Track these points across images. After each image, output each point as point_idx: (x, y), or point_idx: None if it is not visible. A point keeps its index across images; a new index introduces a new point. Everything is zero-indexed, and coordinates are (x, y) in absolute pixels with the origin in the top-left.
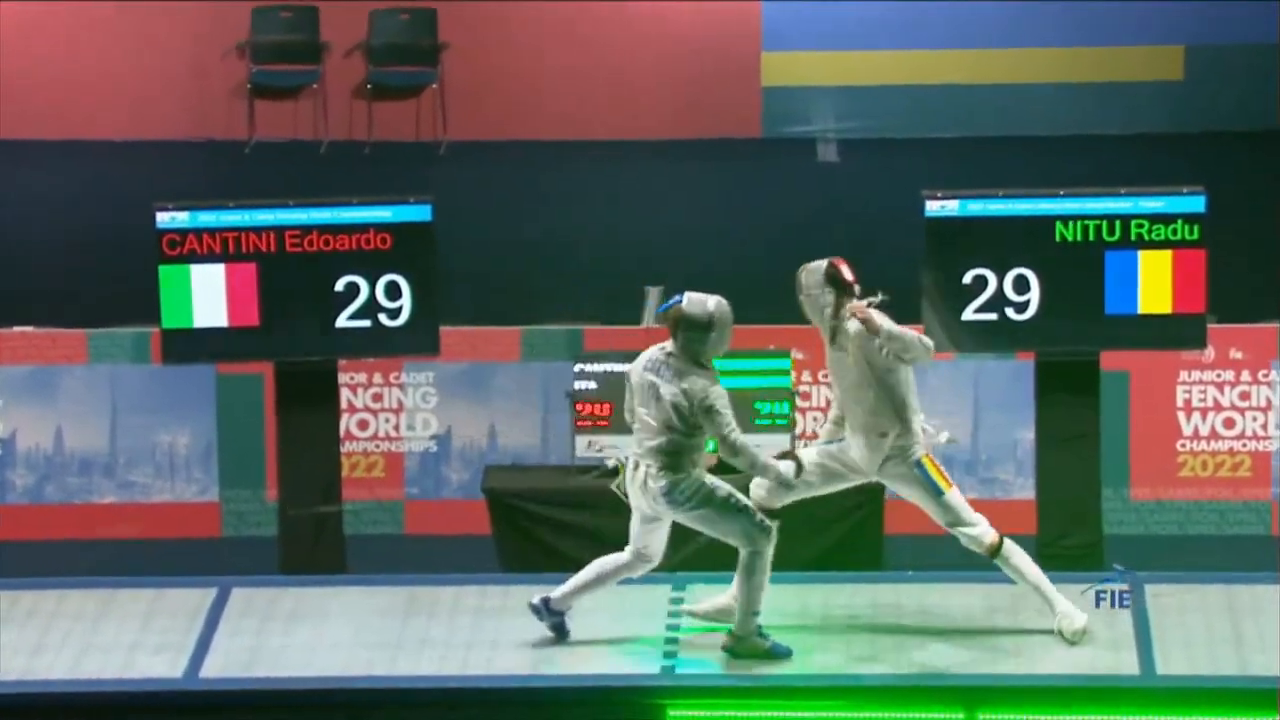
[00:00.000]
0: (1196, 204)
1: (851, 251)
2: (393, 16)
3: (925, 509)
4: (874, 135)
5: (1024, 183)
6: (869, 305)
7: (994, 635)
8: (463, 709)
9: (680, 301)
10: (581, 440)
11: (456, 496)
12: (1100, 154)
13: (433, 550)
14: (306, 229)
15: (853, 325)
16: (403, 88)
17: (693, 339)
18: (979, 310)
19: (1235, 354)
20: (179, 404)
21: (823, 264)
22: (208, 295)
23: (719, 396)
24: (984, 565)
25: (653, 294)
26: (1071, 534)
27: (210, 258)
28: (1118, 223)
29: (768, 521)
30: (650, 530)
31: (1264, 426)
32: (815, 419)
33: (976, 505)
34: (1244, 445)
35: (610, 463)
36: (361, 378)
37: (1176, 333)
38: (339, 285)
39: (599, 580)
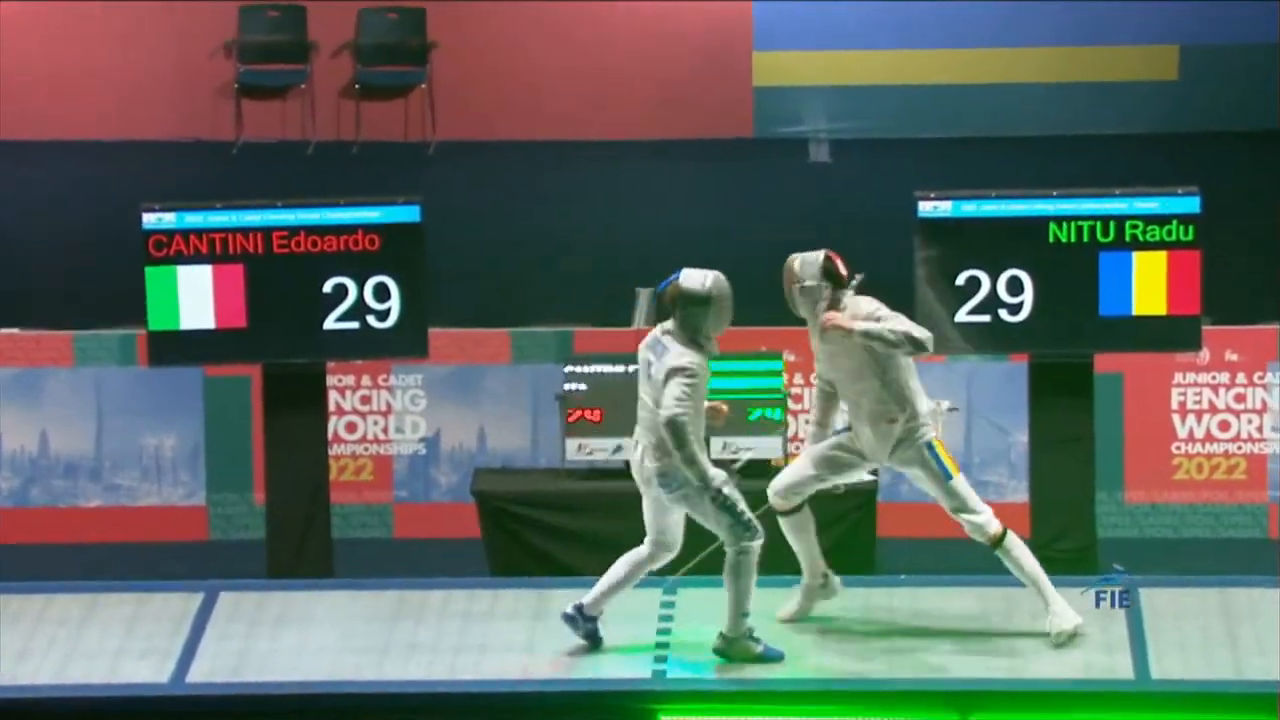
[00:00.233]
0: (1191, 205)
1: (843, 253)
2: (381, 16)
3: (932, 493)
4: (866, 135)
5: (1017, 183)
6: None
7: (987, 638)
8: (450, 714)
9: (678, 278)
10: (572, 443)
11: (446, 500)
12: (1094, 154)
13: (422, 554)
14: (294, 230)
15: (848, 312)
16: (391, 87)
17: (690, 314)
18: (972, 312)
19: (1231, 356)
20: (165, 406)
21: (819, 255)
22: (194, 297)
23: (690, 371)
24: (977, 569)
25: (643, 295)
26: (1065, 537)
27: (197, 259)
28: (1112, 224)
29: (756, 523)
30: (663, 517)
31: (1259, 429)
32: (808, 421)
33: None
34: (1239, 448)
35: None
36: (350, 380)
37: (1171, 334)
38: (327, 287)
39: (626, 579)
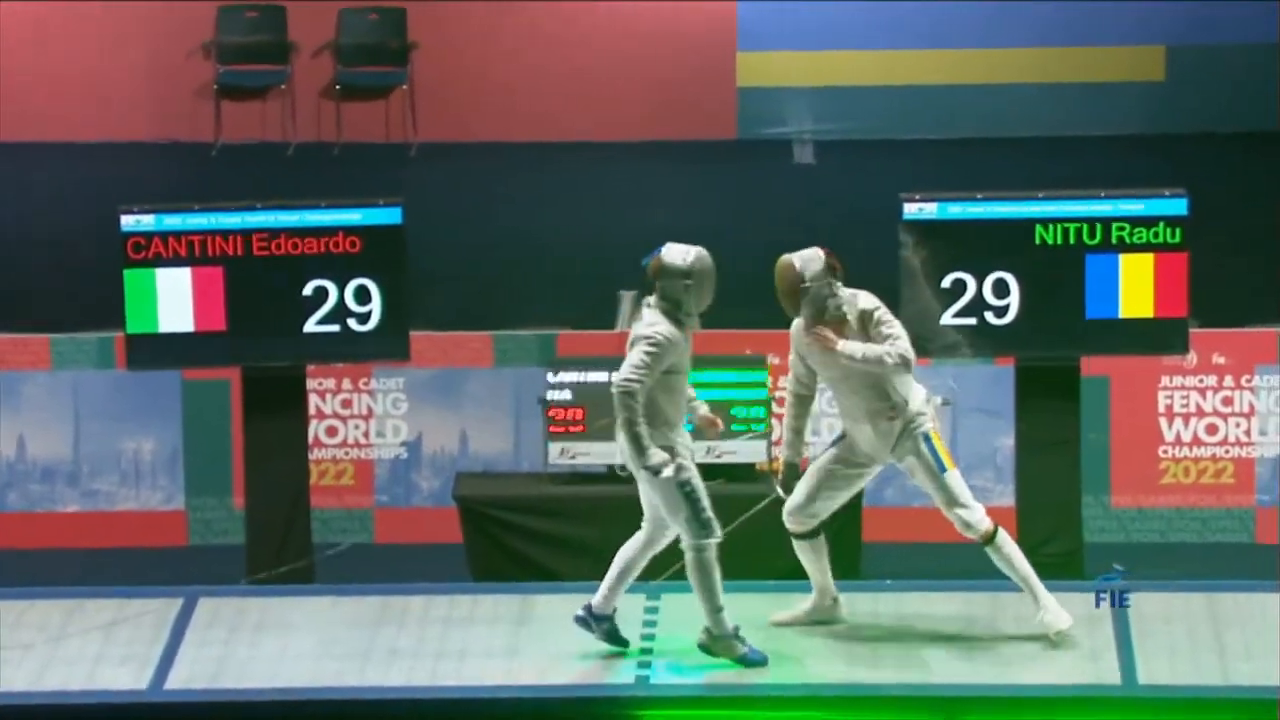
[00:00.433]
0: (1178, 206)
1: None
2: (361, 16)
3: (925, 487)
4: (851, 136)
5: (1003, 185)
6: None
7: (973, 643)
8: None
9: (661, 252)
10: (554, 447)
11: (427, 504)
12: (1081, 156)
13: (403, 559)
14: (274, 232)
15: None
16: (372, 88)
17: (669, 287)
18: (958, 315)
19: (1218, 359)
20: (144, 410)
21: (818, 253)
22: (173, 299)
23: (654, 340)
24: (962, 573)
25: (626, 298)
26: (1052, 541)
27: (176, 261)
28: (1098, 225)
29: (715, 522)
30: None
31: (1247, 433)
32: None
33: None
34: (1227, 451)
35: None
36: (330, 383)
37: (1158, 337)
38: (307, 289)
39: (629, 568)
